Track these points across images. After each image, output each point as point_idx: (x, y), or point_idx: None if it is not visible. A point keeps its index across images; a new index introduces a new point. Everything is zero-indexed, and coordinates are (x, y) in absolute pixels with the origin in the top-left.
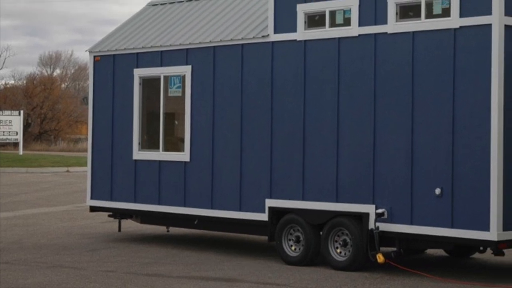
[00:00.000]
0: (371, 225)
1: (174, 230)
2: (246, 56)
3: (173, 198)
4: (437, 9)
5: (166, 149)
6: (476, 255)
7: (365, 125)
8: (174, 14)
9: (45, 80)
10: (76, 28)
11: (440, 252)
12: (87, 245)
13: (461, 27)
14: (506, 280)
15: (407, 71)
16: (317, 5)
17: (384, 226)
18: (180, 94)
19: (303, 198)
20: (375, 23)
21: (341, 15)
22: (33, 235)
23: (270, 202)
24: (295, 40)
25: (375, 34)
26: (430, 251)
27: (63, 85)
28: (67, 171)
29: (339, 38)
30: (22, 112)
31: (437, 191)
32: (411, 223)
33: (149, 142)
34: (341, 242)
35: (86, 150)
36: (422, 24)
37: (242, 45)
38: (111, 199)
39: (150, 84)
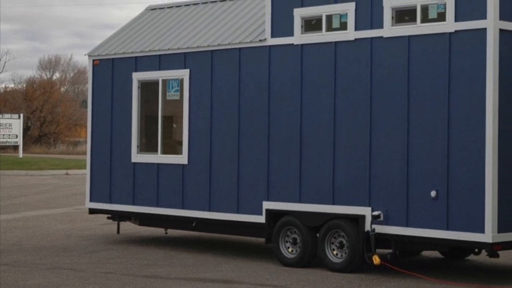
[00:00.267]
0: (367, 227)
1: (172, 232)
2: (244, 60)
3: (171, 200)
4: (432, 14)
5: (164, 152)
6: (471, 257)
7: (361, 128)
8: (172, 19)
9: (45, 84)
10: (75, 32)
11: (435, 254)
12: (86, 247)
13: (456, 31)
14: (501, 281)
15: (403, 75)
16: (314, 9)
17: (380, 228)
18: (178, 98)
19: (300, 201)
20: (371, 27)
21: (338, 19)
22: (32, 237)
23: (267, 205)
24: (292, 44)
25: (371, 38)
26: (426, 253)
27: (62, 89)
28: (67, 173)
29: (336, 42)
30: (21, 115)
31: (433, 193)
32: (407, 225)
33: (148, 145)
34: (337, 244)
35: (85, 153)
36: (417, 28)
37: (240, 49)
38: (110, 201)
39: (148, 88)
